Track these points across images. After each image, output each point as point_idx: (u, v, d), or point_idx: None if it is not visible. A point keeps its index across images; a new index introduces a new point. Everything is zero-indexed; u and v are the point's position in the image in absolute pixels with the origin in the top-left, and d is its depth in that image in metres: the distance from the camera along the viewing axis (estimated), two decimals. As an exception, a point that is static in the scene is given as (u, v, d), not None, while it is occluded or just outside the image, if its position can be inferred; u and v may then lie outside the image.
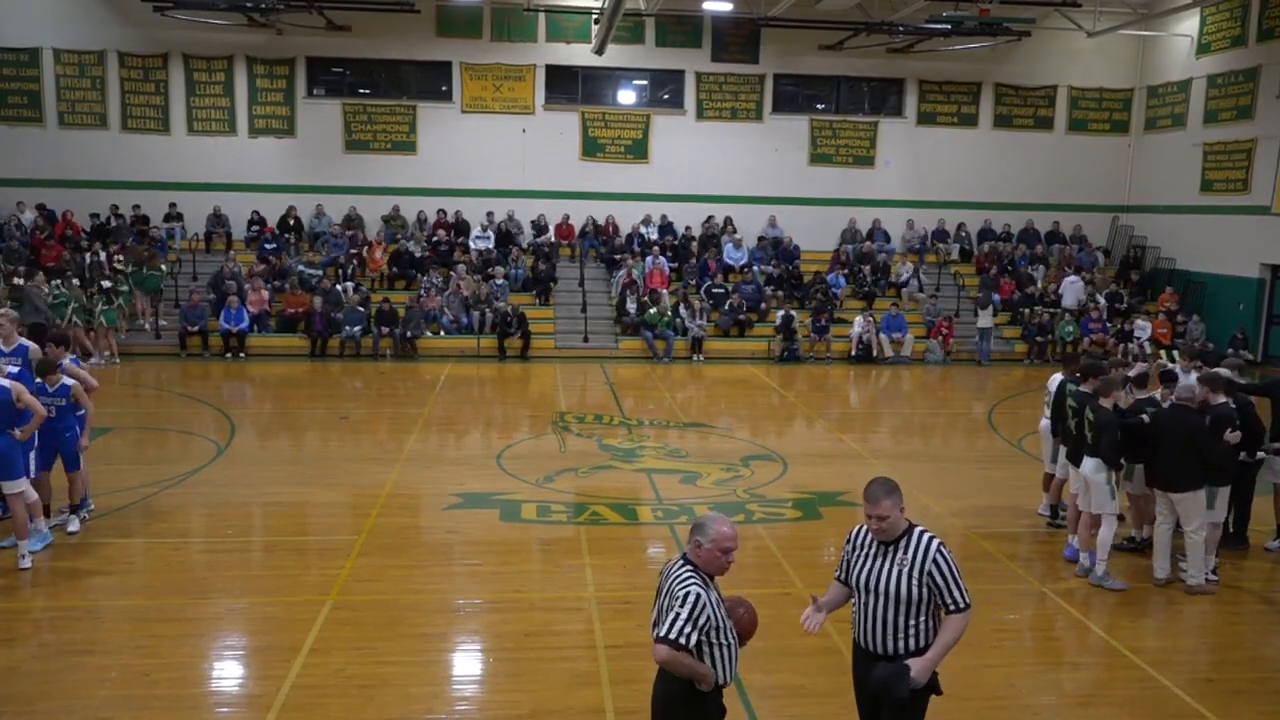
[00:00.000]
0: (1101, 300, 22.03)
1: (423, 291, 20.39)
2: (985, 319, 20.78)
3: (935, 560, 4.13)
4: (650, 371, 18.65)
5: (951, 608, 4.15)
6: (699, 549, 4.03)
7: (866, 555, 4.27)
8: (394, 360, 19.12)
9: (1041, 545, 9.09)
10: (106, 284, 18.78)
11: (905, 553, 4.17)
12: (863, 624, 4.29)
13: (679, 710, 4.03)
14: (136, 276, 19.81)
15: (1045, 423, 9.72)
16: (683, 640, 3.86)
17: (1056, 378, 9.82)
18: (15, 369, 8.52)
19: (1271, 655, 6.93)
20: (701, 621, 3.90)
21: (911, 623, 4.17)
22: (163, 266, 20.67)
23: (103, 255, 20.11)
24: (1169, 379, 8.82)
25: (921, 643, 4.19)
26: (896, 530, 4.19)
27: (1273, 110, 20.41)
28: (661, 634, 3.88)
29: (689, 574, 4.01)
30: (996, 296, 21.94)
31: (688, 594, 3.90)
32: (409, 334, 19.38)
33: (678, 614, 3.88)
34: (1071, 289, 22.03)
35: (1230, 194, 21.62)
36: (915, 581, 4.13)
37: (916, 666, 4.11)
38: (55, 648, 6.48)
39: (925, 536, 4.20)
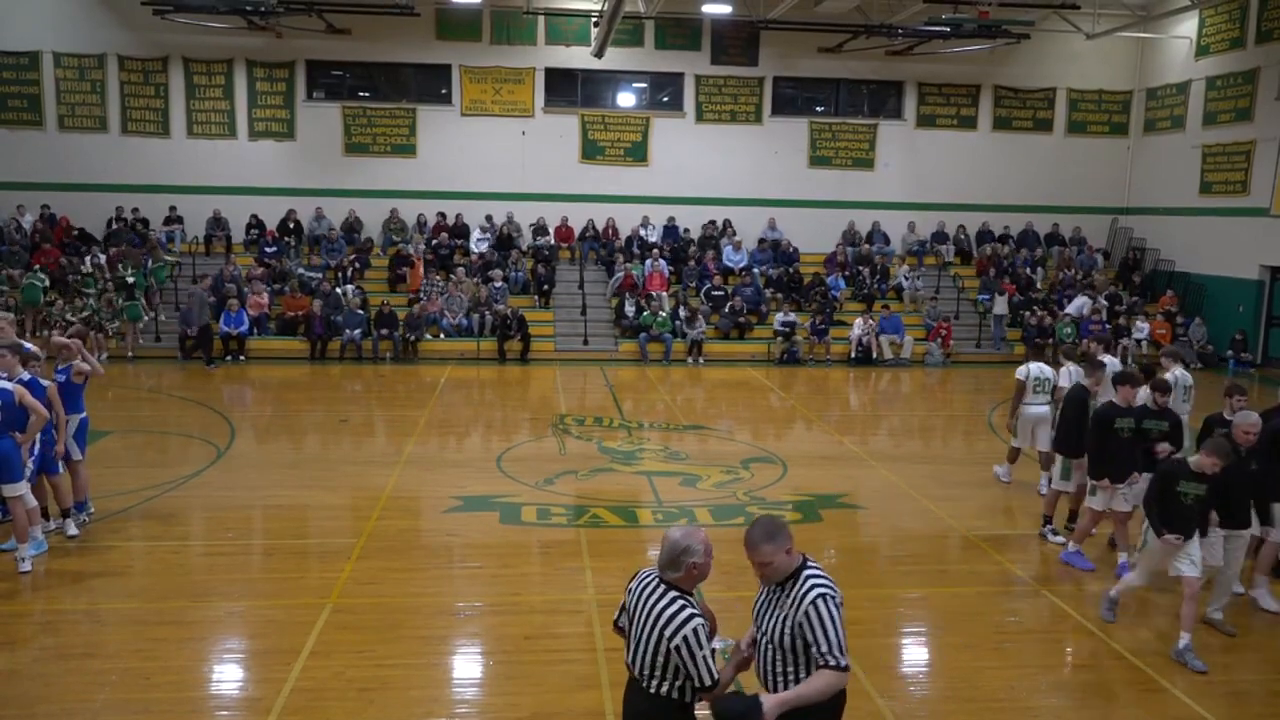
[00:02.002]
0: (1102, 302, 22.06)
1: (423, 295, 20.40)
2: (1001, 305, 21.49)
3: (808, 611, 3.74)
4: (650, 374, 18.66)
5: (820, 663, 3.74)
6: (694, 569, 3.81)
7: (766, 591, 3.99)
8: (394, 363, 19.13)
9: (1041, 547, 9.08)
10: (131, 279, 19.28)
11: (788, 595, 3.83)
12: (757, 663, 4.01)
13: None
14: (138, 277, 19.94)
15: (1037, 410, 10.33)
16: (717, 676, 3.78)
17: (1050, 369, 10.53)
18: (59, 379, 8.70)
19: (1272, 657, 6.93)
20: (711, 644, 3.82)
21: (790, 670, 3.84)
22: (165, 258, 21.03)
23: (102, 259, 20.24)
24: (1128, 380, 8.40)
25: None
26: (784, 572, 3.86)
27: (1271, 112, 20.43)
28: (706, 685, 3.75)
29: (682, 606, 3.77)
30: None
31: (696, 633, 3.73)
32: (409, 337, 19.39)
33: (703, 657, 3.74)
34: (1075, 305, 21.93)
35: (1229, 196, 21.64)
36: (789, 630, 3.79)
37: (769, 701, 3.71)
38: (55, 651, 6.47)
39: (809, 583, 3.80)
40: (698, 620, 3.73)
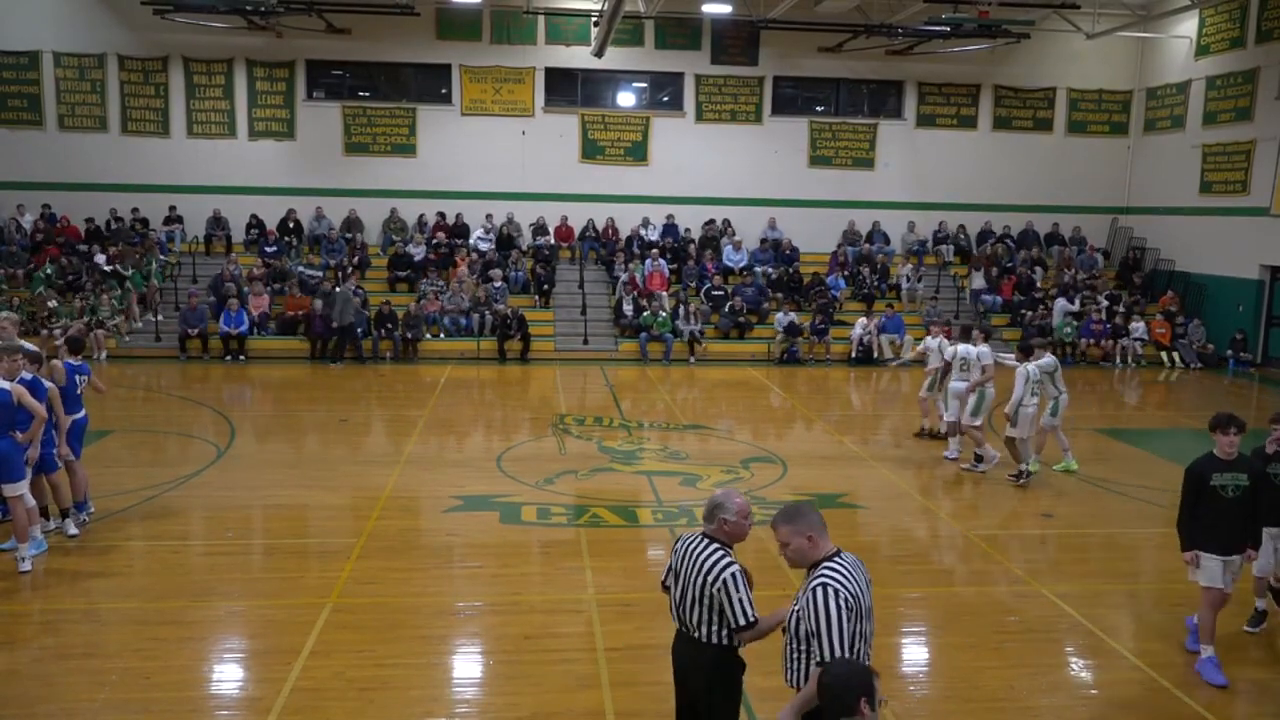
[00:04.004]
0: (1103, 302, 22.05)
1: (422, 296, 20.38)
2: (978, 280, 22.19)
3: (808, 602, 3.72)
4: (650, 374, 18.66)
5: (817, 659, 3.68)
6: (725, 524, 4.24)
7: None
8: (394, 363, 19.13)
9: (1042, 547, 9.09)
10: (109, 268, 19.55)
11: (805, 584, 3.84)
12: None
13: (728, 674, 4.29)
14: (136, 277, 19.95)
15: (960, 385, 11.87)
16: (754, 617, 4.12)
17: (972, 350, 11.88)
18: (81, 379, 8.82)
19: (1272, 657, 6.92)
20: (750, 591, 4.17)
21: (797, 657, 3.83)
22: (160, 256, 21.25)
23: (101, 259, 20.28)
24: None
25: (804, 682, 3.79)
26: (804, 558, 3.89)
27: (1271, 112, 20.43)
28: (741, 624, 4.12)
29: (722, 555, 4.19)
30: (997, 299, 22.10)
31: (734, 577, 4.13)
32: (409, 336, 19.38)
33: (739, 599, 4.12)
34: (1058, 307, 21.86)
35: (1229, 195, 21.63)
36: (797, 619, 3.81)
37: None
38: (55, 651, 6.47)
39: (818, 573, 3.78)
40: (735, 566, 4.17)
